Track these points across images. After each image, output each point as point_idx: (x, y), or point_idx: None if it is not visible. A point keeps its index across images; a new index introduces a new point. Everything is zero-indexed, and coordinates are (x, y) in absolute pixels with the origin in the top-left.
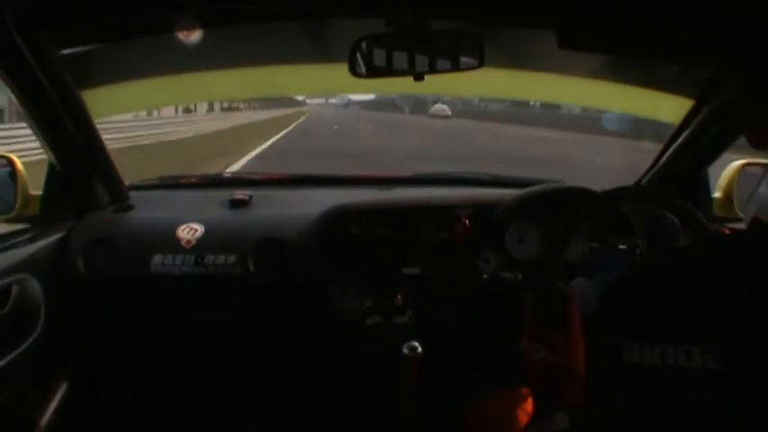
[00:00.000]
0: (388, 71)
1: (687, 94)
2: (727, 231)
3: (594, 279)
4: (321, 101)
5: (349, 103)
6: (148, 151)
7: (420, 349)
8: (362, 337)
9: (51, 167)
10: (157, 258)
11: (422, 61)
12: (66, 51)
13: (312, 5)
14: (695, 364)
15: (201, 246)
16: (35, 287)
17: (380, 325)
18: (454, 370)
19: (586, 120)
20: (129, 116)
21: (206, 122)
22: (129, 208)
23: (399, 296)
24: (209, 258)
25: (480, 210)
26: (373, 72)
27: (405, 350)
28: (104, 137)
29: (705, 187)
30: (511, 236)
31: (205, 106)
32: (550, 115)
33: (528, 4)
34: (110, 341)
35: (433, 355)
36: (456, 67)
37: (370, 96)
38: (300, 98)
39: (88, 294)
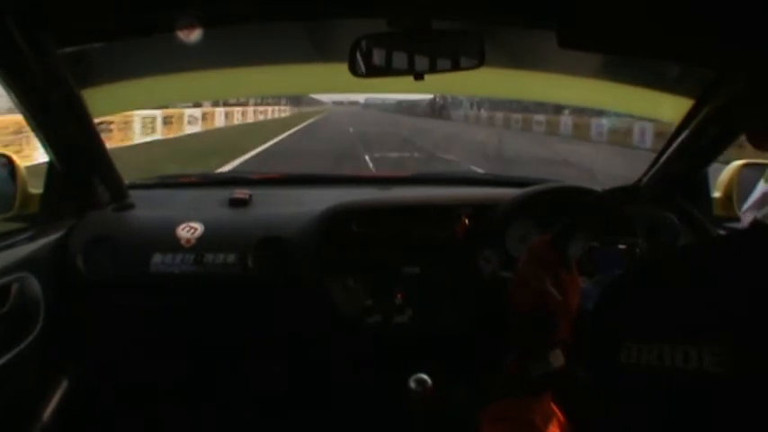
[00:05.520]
0: (388, 71)
1: (687, 94)
2: (727, 231)
3: (594, 279)
4: (341, 97)
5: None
6: None
7: (430, 382)
8: (362, 335)
9: (51, 166)
10: (157, 257)
11: (422, 61)
12: (66, 50)
13: (313, 5)
14: (692, 365)
15: (201, 245)
16: (35, 286)
17: (380, 324)
18: (455, 369)
19: None
20: None
21: None
22: (129, 207)
23: (399, 295)
24: (209, 257)
25: (480, 209)
26: (373, 71)
27: (412, 384)
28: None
29: (705, 187)
30: (511, 235)
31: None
32: None
33: (528, 3)
34: (109, 340)
35: (433, 355)
36: (456, 67)
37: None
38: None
39: (88, 293)
